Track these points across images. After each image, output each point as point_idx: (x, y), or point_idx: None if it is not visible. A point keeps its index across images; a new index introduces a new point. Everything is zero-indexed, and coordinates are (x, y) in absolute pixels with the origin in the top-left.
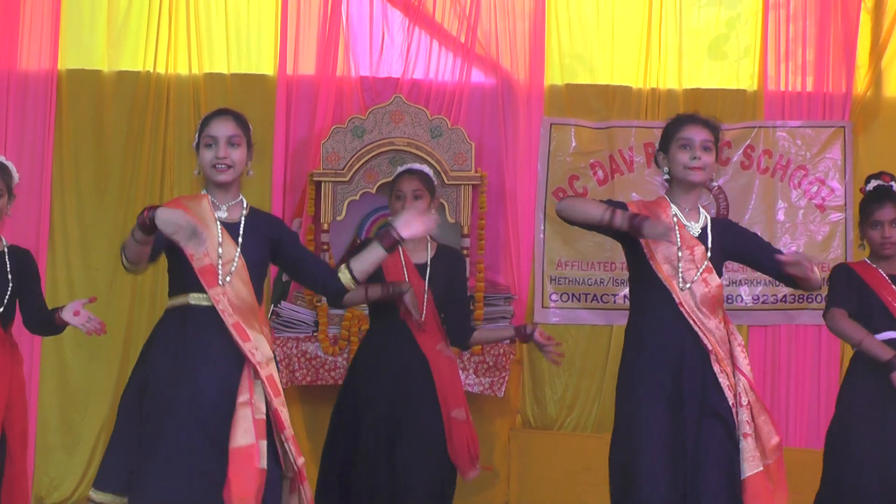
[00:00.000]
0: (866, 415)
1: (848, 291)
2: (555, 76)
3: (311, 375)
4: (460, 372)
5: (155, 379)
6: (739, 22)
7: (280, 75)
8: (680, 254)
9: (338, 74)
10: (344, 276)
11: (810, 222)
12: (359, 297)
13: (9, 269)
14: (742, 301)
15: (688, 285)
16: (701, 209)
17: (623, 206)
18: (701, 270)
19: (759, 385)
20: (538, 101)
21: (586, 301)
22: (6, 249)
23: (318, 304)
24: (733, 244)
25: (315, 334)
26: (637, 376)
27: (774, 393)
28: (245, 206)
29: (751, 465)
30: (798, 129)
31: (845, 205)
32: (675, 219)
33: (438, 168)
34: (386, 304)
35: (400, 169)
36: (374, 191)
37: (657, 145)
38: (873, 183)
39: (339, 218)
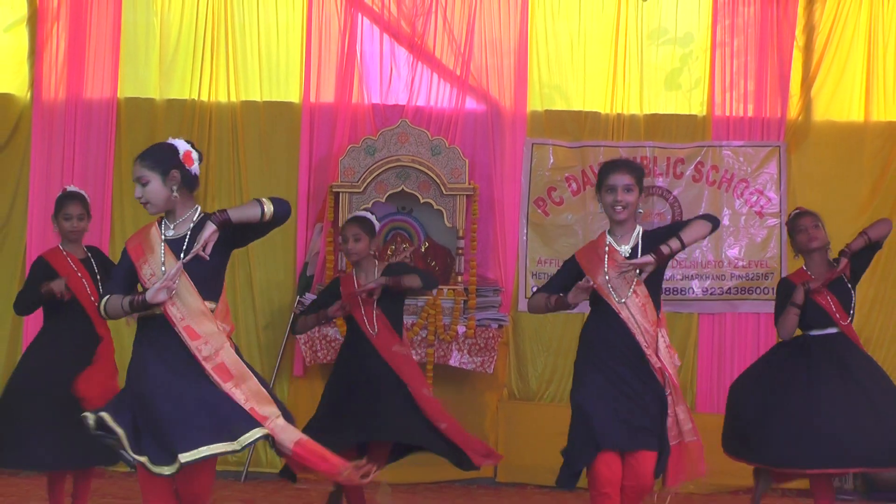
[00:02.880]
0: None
1: (785, 305)
2: (536, 103)
3: (331, 354)
4: (455, 353)
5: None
6: (691, 58)
7: (304, 102)
8: (607, 277)
9: (353, 102)
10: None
11: (751, 227)
12: (308, 324)
13: (96, 268)
14: (693, 293)
15: (623, 300)
16: (637, 228)
17: (572, 260)
18: (633, 285)
19: (707, 363)
20: (522, 124)
21: None
22: (90, 253)
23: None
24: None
25: (333, 320)
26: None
27: (720, 369)
28: (195, 218)
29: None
30: (740, 147)
31: (780, 212)
32: (607, 248)
33: (437, 181)
34: (352, 321)
35: (349, 216)
36: (383, 199)
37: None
38: (794, 211)
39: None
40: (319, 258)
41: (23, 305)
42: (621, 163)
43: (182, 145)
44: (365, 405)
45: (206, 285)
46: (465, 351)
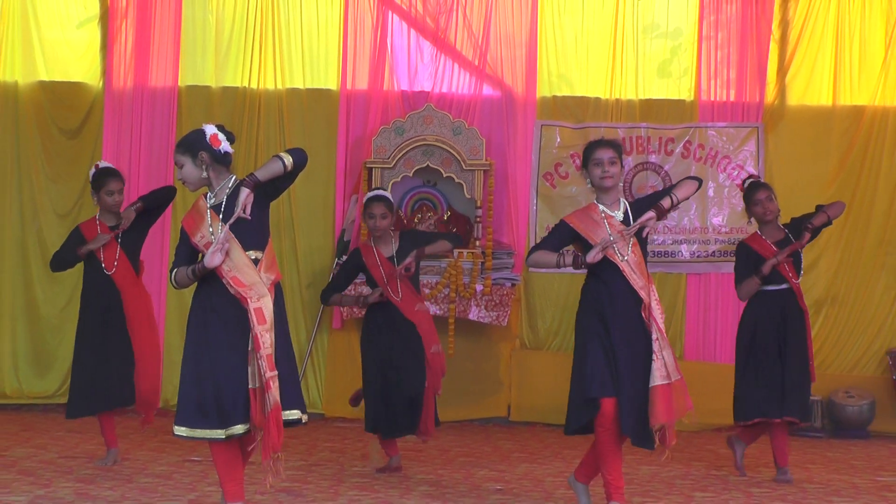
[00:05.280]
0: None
1: (745, 267)
2: (544, 90)
3: (365, 309)
4: (474, 308)
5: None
6: (680, 49)
7: (342, 89)
8: (612, 237)
9: (384, 89)
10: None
11: (732, 197)
12: (344, 302)
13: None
14: (682, 255)
15: (625, 258)
16: (621, 199)
17: (563, 224)
18: (630, 245)
19: (694, 318)
20: (532, 108)
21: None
22: (138, 204)
23: None
24: (643, 213)
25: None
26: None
27: (706, 322)
28: (230, 186)
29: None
30: (724, 128)
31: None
32: (602, 214)
33: (458, 158)
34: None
35: (369, 194)
36: (411, 174)
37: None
38: (748, 181)
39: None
40: (355, 225)
41: (57, 263)
42: (604, 141)
43: (209, 129)
44: (392, 396)
45: (251, 237)
46: (483, 306)
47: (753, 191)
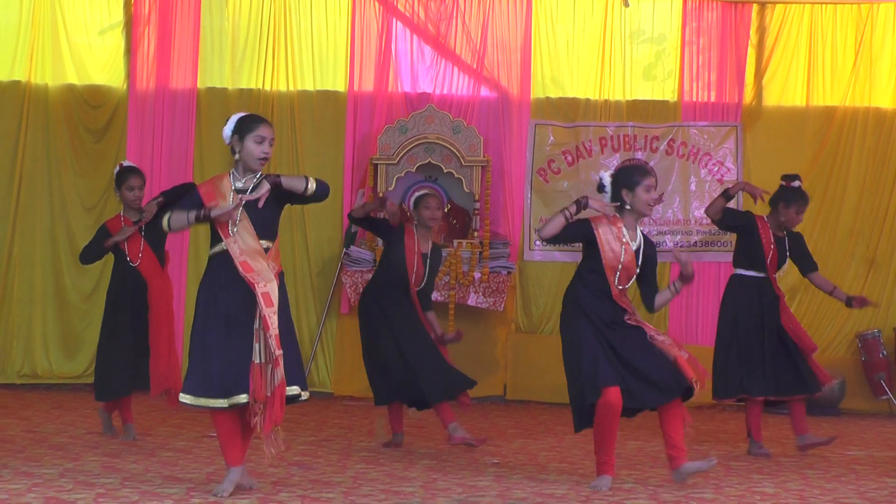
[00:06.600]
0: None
1: (734, 213)
2: (538, 91)
3: None
4: (472, 294)
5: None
6: (664, 54)
7: (349, 91)
8: (620, 265)
9: (389, 90)
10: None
11: (713, 192)
12: (367, 207)
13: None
14: (666, 245)
15: (619, 287)
16: (638, 229)
17: (587, 223)
18: (629, 283)
19: (677, 304)
20: (526, 108)
21: (559, 245)
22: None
23: (376, 246)
24: (645, 265)
25: (373, 268)
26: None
27: (688, 308)
28: (258, 176)
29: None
30: (705, 127)
31: (737, 179)
32: (625, 237)
33: (458, 154)
34: (397, 271)
35: (425, 192)
36: (414, 170)
37: (612, 179)
38: (795, 182)
39: (390, 188)
40: None
41: (86, 257)
42: (650, 169)
43: None
44: (406, 367)
45: (265, 229)
46: (480, 293)
47: (796, 199)
